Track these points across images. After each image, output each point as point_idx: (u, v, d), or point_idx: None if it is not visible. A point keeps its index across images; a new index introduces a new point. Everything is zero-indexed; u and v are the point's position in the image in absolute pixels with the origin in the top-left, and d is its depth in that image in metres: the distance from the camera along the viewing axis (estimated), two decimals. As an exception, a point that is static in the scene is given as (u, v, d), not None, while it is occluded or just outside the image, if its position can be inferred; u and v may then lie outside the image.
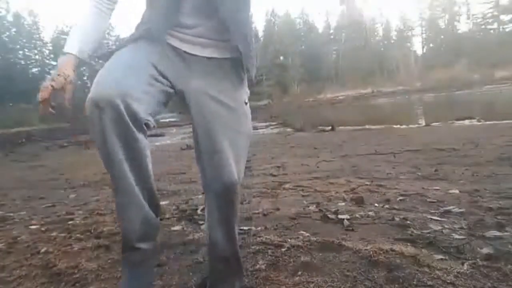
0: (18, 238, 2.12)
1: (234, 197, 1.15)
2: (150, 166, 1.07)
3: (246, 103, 1.19)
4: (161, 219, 2.30)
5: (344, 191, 2.74)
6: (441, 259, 1.41)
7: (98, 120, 0.94)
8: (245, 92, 1.20)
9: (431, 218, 1.93)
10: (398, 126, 9.49)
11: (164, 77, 1.07)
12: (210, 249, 1.21)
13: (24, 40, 49.05)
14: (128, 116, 0.95)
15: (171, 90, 1.10)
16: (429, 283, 1.22)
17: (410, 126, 9.46)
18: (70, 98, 1.05)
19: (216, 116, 1.09)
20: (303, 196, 2.71)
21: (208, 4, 1.05)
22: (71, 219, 2.49)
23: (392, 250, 1.47)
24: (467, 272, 1.28)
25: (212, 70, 1.12)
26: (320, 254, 1.52)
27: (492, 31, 43.64)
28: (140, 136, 1.00)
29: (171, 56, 1.10)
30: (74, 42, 1.09)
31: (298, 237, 1.73)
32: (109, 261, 1.61)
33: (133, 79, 0.99)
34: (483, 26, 44.86)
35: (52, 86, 1.02)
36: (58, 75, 1.04)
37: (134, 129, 0.98)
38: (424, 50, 51.23)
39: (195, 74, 1.10)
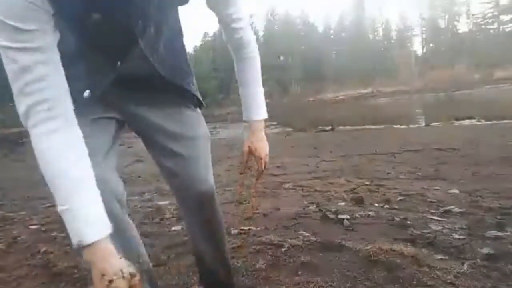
0: (18, 238, 2.12)
1: (213, 205, 1.09)
2: (142, 248, 1.03)
3: (194, 108, 1.09)
4: (161, 219, 2.31)
5: (344, 191, 2.74)
6: (441, 259, 1.41)
7: None
8: (191, 98, 1.07)
9: (431, 218, 1.93)
10: (398, 126, 9.50)
11: (110, 117, 0.97)
12: (198, 261, 1.19)
13: (24, 40, 48.99)
14: (117, 203, 0.91)
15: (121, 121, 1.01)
16: (429, 283, 1.22)
17: (410, 126, 9.47)
18: None
19: (165, 131, 1.02)
20: (303, 196, 2.71)
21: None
22: (71, 219, 2.48)
23: (392, 250, 1.47)
24: (467, 272, 1.28)
25: (146, 85, 0.99)
26: (320, 254, 1.52)
27: (492, 31, 43.62)
28: (127, 217, 0.97)
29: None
30: (93, 225, 0.74)
31: (298, 237, 1.73)
32: (109, 261, 1.61)
33: (108, 162, 0.91)
34: (483, 26, 44.85)
35: None
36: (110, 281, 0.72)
37: (125, 218, 0.95)
38: (424, 50, 51.22)
39: (133, 95, 0.99)
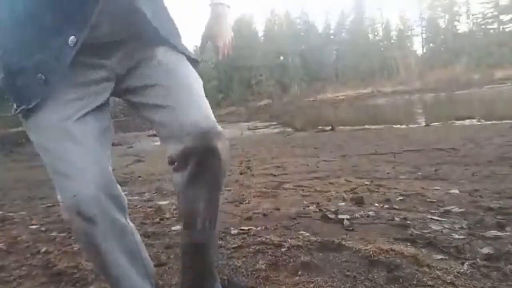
0: (18, 238, 2.12)
1: (217, 155, 0.90)
2: (144, 251, 0.99)
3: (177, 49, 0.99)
4: (161, 219, 2.31)
5: (344, 191, 2.74)
6: (441, 259, 1.41)
7: (86, 233, 0.84)
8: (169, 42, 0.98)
9: (431, 218, 1.93)
10: (398, 126, 9.52)
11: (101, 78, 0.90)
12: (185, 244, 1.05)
13: (24, 40, 48.99)
14: (117, 209, 0.87)
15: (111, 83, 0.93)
16: (429, 283, 1.22)
17: (410, 126, 9.48)
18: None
19: (156, 74, 0.93)
20: (303, 196, 2.71)
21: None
22: (71, 219, 2.48)
23: (392, 250, 1.47)
24: (467, 272, 1.28)
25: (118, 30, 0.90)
26: (320, 254, 1.52)
27: (492, 31, 43.62)
28: (128, 222, 0.92)
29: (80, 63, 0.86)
30: None
31: (298, 237, 1.73)
32: (109, 261, 1.61)
33: (97, 146, 0.85)
34: (483, 26, 44.85)
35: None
36: None
37: (124, 220, 0.89)
38: (424, 50, 51.24)
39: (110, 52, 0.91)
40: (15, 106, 0.87)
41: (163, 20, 0.97)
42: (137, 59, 0.94)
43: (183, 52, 1.00)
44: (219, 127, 0.90)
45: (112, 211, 0.85)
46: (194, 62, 1.03)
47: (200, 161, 0.89)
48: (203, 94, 0.96)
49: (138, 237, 0.98)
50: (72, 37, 0.79)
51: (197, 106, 0.90)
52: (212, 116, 0.92)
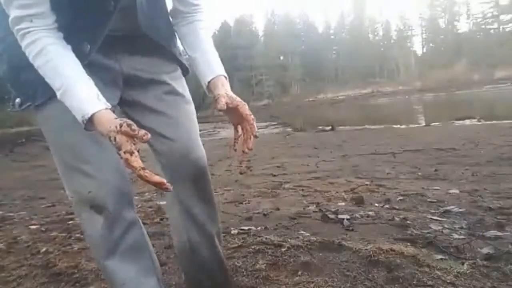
0: (18, 238, 2.12)
1: (207, 176, 1.06)
2: (151, 246, 1.02)
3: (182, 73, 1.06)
4: (161, 219, 2.31)
5: (344, 191, 2.74)
6: (441, 259, 1.41)
7: (96, 225, 0.88)
8: (174, 65, 1.04)
9: (431, 218, 1.93)
10: (398, 126, 9.51)
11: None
12: (188, 260, 1.10)
13: (24, 40, 49.00)
14: (128, 205, 0.92)
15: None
16: (429, 283, 1.22)
17: (410, 126, 9.47)
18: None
19: (164, 103, 0.99)
20: (303, 196, 2.71)
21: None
22: (71, 219, 2.49)
23: (392, 250, 1.47)
24: (467, 272, 1.28)
25: (132, 49, 0.94)
26: (320, 254, 1.52)
27: (492, 31, 43.64)
28: (136, 217, 0.96)
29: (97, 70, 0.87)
30: (90, 100, 0.76)
31: (298, 237, 1.73)
32: (109, 261, 1.60)
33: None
34: (483, 26, 44.88)
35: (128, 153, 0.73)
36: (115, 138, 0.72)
37: (133, 214, 0.94)
38: (424, 50, 51.28)
39: (121, 59, 0.93)
40: (18, 100, 0.85)
41: (162, 22, 0.97)
42: (142, 74, 0.96)
43: (181, 65, 1.04)
44: (205, 156, 1.06)
45: (123, 206, 0.89)
46: (186, 70, 1.07)
47: (194, 185, 1.03)
48: (198, 129, 1.08)
49: (145, 232, 1.01)
50: (85, 43, 0.81)
51: (195, 145, 1.03)
52: (202, 148, 1.06)
